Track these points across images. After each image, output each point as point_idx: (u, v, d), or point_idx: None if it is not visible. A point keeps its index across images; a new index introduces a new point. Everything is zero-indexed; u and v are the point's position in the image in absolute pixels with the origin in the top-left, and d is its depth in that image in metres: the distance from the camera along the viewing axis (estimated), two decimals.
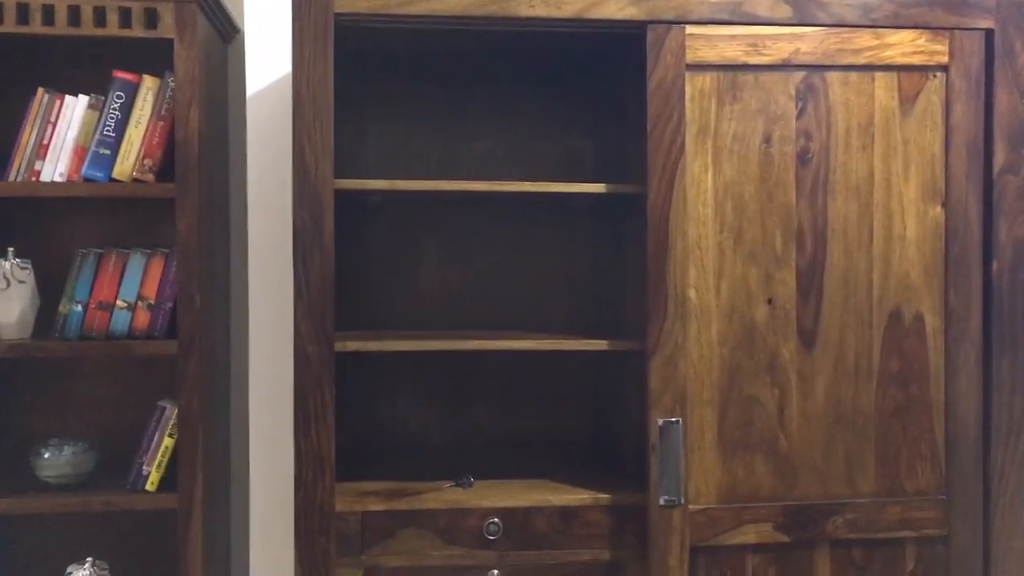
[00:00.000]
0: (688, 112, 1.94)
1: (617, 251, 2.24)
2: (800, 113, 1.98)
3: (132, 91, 2.19)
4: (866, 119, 1.99)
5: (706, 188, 1.96)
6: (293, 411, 1.86)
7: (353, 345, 1.92)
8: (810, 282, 1.98)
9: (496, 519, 1.91)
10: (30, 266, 2.21)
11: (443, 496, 1.95)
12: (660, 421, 1.91)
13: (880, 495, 1.99)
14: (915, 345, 2.00)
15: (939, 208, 2.00)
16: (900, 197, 1.99)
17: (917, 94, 2.00)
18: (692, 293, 1.95)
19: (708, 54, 1.94)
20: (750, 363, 1.96)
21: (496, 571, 1.91)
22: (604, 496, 1.95)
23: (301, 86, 1.84)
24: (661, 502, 1.90)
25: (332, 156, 1.85)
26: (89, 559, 2.20)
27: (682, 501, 1.91)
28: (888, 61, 1.98)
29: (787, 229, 1.97)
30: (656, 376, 1.92)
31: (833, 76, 1.98)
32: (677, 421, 1.92)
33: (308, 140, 1.84)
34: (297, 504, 1.85)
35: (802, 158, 1.98)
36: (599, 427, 2.42)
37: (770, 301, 1.97)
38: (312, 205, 1.85)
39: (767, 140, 1.97)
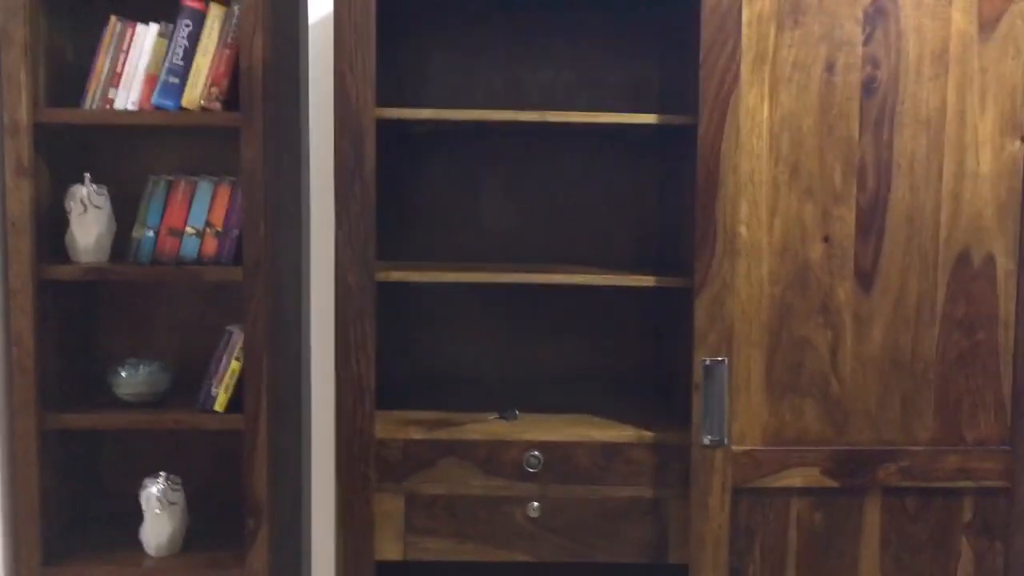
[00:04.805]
0: (744, 38, 1.84)
1: (676, 185, 2.17)
2: (867, 39, 1.86)
3: (199, 19, 2.19)
4: (940, 46, 1.86)
5: (761, 120, 1.87)
6: (335, 340, 1.88)
7: (396, 275, 1.93)
8: (871, 220, 1.88)
9: (536, 452, 1.91)
10: (106, 192, 2.26)
11: (485, 428, 1.95)
12: (705, 360, 1.86)
13: (938, 443, 1.91)
14: (984, 289, 1.88)
15: (1018, 143, 1.86)
16: (975, 131, 1.86)
17: (999, 18, 1.85)
18: (743, 229, 1.87)
19: None
20: (802, 303, 1.89)
21: (536, 503, 1.91)
22: (648, 434, 1.92)
23: (342, 11, 1.82)
24: (704, 442, 1.86)
25: (374, 84, 1.83)
26: (163, 474, 2.27)
27: (725, 442, 1.87)
28: None
29: (848, 164, 1.87)
30: (702, 314, 1.86)
31: None
32: (723, 361, 1.86)
33: (349, 68, 1.82)
34: (338, 431, 1.89)
35: (868, 88, 1.86)
36: (657, 364, 2.37)
37: (826, 239, 1.88)
38: (353, 134, 1.84)
39: (830, 68, 1.86)
